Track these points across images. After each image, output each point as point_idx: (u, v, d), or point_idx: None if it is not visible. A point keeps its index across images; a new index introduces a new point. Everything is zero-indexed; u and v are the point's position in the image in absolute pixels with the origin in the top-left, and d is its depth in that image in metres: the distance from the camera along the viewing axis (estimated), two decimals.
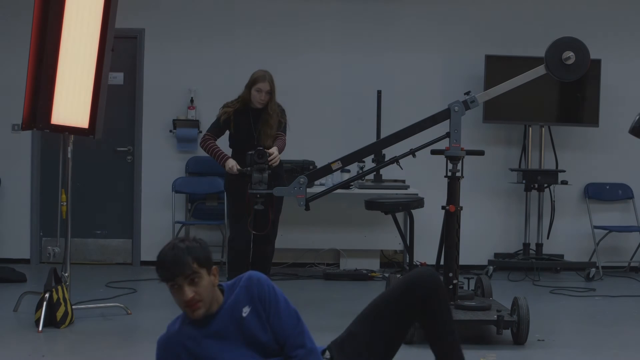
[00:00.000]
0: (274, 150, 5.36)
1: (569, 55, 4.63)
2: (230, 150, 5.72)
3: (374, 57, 7.55)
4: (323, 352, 2.98)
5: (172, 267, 2.70)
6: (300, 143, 6.91)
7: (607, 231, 7.35)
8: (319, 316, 5.24)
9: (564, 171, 7.21)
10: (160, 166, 7.48)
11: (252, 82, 5.59)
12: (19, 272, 6.61)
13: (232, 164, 5.49)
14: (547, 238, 7.37)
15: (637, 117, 3.67)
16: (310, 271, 7.34)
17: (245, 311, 2.77)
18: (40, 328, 4.75)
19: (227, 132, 5.72)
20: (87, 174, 7.46)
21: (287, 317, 2.80)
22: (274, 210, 5.60)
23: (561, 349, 4.51)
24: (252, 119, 5.56)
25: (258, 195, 4.80)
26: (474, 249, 7.17)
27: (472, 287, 5.32)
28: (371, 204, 5.36)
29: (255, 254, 5.69)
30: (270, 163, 5.06)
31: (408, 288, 3.01)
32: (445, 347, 3.09)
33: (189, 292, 2.70)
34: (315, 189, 5.88)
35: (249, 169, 4.91)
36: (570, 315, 5.74)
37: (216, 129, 5.67)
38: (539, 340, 4.66)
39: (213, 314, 2.78)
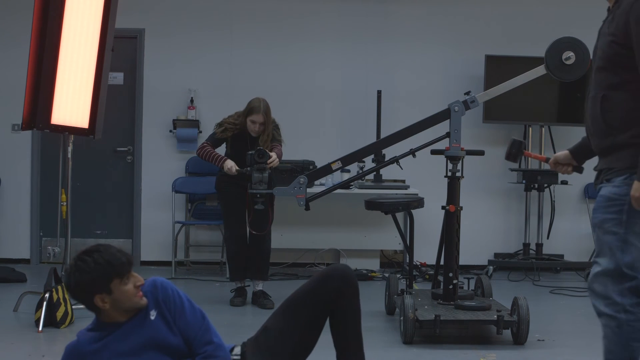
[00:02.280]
0: (273, 154, 5.38)
1: (569, 55, 4.63)
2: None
3: (374, 57, 7.55)
4: (232, 348, 3.01)
5: (127, 257, 2.83)
6: (300, 143, 6.92)
7: None
8: None
9: None
10: (160, 166, 7.48)
11: (248, 112, 5.59)
12: (19, 272, 6.61)
13: (230, 165, 5.51)
14: (547, 238, 7.37)
15: (511, 142, 3.79)
16: (310, 271, 7.34)
17: (153, 314, 2.83)
18: (40, 328, 4.76)
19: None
20: (87, 174, 7.46)
21: (193, 317, 2.86)
22: (272, 209, 5.63)
23: (561, 349, 4.52)
24: (250, 145, 5.54)
25: (258, 195, 4.81)
26: (474, 249, 7.17)
27: (472, 287, 5.32)
28: (371, 204, 5.36)
29: (253, 253, 5.70)
30: (268, 165, 5.07)
31: (320, 283, 3.05)
32: (348, 345, 3.09)
33: (138, 276, 2.85)
34: (315, 189, 5.88)
35: (248, 169, 4.92)
36: (570, 315, 5.73)
37: (213, 141, 5.71)
38: (539, 340, 4.66)
39: (122, 321, 2.83)
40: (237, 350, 3.02)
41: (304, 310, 3.02)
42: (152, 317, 2.83)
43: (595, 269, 2.98)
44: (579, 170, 3.52)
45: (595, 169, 3.15)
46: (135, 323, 2.82)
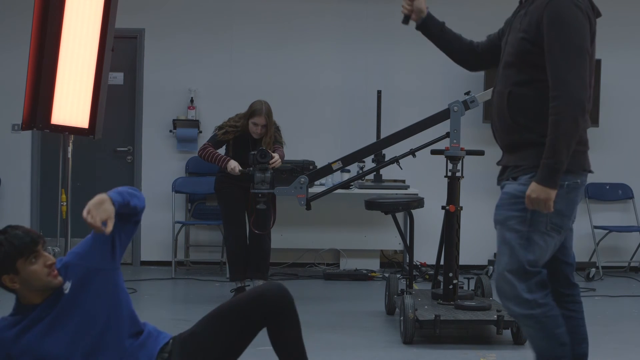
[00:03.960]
0: (275, 155, 5.39)
1: None
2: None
3: (374, 57, 7.55)
4: (167, 343, 2.95)
5: (32, 236, 2.80)
6: (300, 143, 6.92)
7: (607, 231, 7.34)
8: (318, 316, 5.25)
9: None
10: (160, 166, 7.48)
11: (250, 114, 5.62)
12: None
13: (233, 165, 5.54)
14: None
15: None
16: (310, 271, 7.34)
17: (67, 287, 2.82)
18: None
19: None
20: (87, 174, 7.45)
21: (89, 240, 3.04)
22: (275, 210, 5.63)
23: None
24: (252, 147, 5.55)
25: (260, 195, 4.82)
26: (474, 249, 7.16)
27: (472, 287, 5.32)
28: (371, 204, 5.36)
29: (253, 252, 5.71)
30: (271, 165, 5.08)
31: (255, 301, 2.91)
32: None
33: (49, 255, 2.82)
34: (316, 189, 5.88)
35: (250, 169, 4.94)
36: None
37: (215, 142, 5.74)
38: None
39: (37, 302, 2.82)
40: (170, 346, 2.95)
41: (232, 323, 2.90)
42: (66, 291, 2.81)
43: (497, 269, 2.91)
44: (405, 20, 3.58)
45: (498, 163, 3.10)
46: (49, 303, 2.81)
